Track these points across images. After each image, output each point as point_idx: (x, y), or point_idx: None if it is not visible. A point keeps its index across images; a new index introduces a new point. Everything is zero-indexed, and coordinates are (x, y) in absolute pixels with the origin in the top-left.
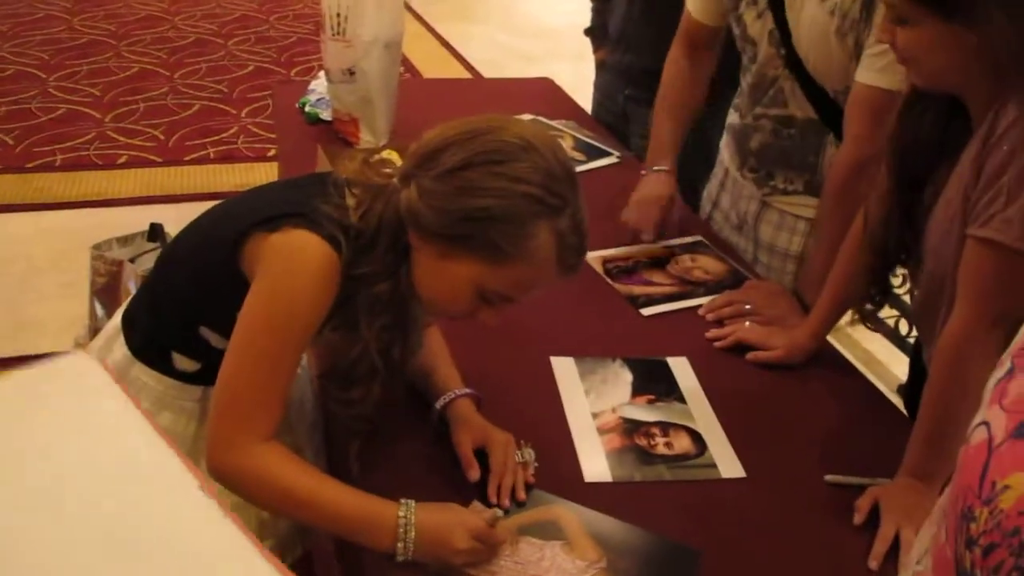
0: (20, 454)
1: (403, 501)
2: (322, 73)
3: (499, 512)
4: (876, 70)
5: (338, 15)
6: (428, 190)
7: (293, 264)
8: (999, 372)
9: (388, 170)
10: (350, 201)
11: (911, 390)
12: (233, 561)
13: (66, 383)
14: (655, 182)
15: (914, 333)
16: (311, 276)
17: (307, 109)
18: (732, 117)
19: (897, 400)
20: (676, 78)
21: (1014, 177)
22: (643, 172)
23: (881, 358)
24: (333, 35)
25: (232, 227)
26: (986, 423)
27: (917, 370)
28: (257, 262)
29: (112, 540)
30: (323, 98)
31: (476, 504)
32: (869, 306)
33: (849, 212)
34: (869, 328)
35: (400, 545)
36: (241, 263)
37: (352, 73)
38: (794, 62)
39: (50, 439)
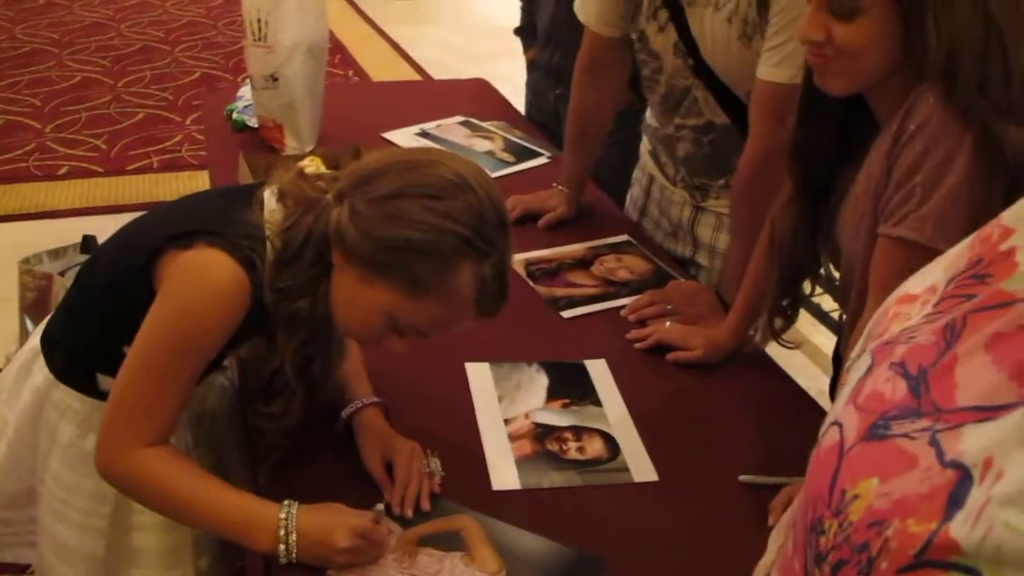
0: None
1: (286, 503)
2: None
3: (380, 506)
4: (772, 65)
5: (259, 20)
6: (359, 212)
7: (200, 285)
8: (860, 367)
9: (323, 184)
10: (279, 213)
11: (835, 387)
12: None
13: None
14: (552, 192)
15: None
16: (217, 298)
17: (234, 116)
18: (652, 121)
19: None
20: (577, 106)
21: (928, 176)
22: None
23: (827, 351)
24: (254, 41)
25: (147, 242)
26: (838, 423)
27: (839, 368)
28: (167, 279)
29: None
30: (250, 105)
31: (379, 507)
32: (780, 321)
33: (757, 207)
34: (785, 346)
35: (282, 547)
36: (155, 279)
37: (275, 79)
38: (704, 72)
39: None
